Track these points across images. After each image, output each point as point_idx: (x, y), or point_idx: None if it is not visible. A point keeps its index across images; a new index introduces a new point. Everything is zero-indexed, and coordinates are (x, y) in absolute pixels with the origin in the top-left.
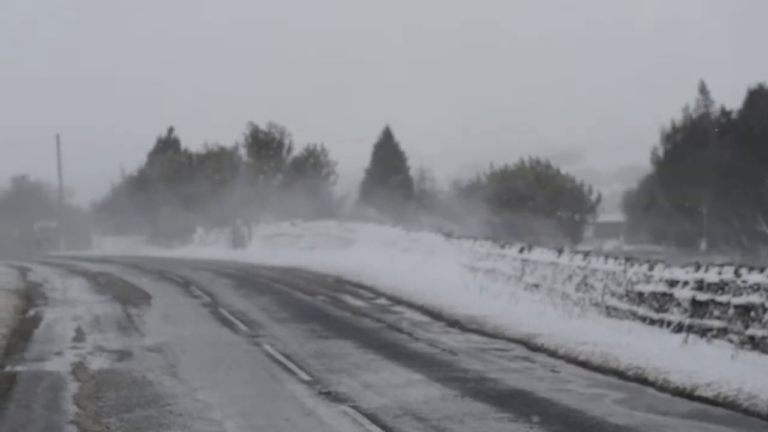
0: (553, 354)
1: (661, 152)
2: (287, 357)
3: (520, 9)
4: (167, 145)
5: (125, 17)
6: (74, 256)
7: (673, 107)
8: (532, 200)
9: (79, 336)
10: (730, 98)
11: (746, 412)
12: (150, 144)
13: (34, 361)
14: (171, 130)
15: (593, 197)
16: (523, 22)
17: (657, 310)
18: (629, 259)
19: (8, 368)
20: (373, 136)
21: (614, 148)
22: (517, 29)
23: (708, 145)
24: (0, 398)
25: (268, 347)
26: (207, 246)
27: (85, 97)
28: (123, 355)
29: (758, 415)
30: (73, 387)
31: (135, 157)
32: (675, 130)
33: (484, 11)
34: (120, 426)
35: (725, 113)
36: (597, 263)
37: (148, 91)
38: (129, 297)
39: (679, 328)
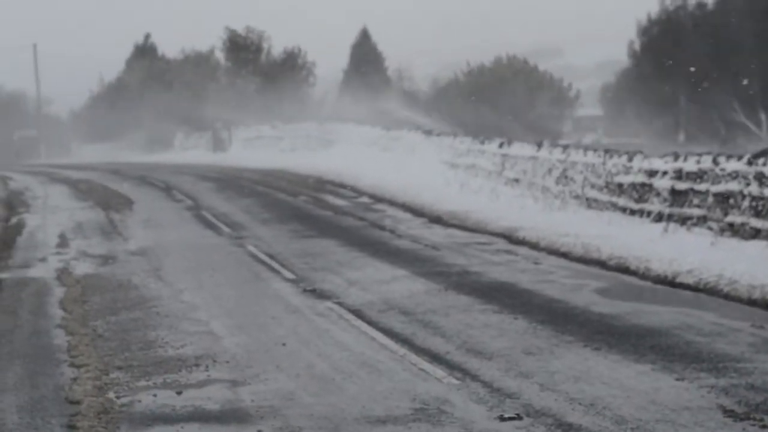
0: (534, 246)
1: (637, 45)
2: (271, 257)
3: None
4: (144, 51)
5: None
6: (54, 164)
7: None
8: (511, 96)
9: (63, 242)
10: None
11: (727, 297)
12: (127, 51)
13: (18, 267)
14: (148, 36)
15: (572, 93)
16: None
17: (637, 201)
18: (608, 151)
19: None
20: (351, 36)
21: (592, 42)
22: None
23: (684, 37)
24: None
25: (251, 248)
26: (187, 150)
27: (62, 4)
28: (107, 259)
29: (739, 299)
30: (58, 292)
31: (113, 64)
32: (651, 22)
33: None
34: (107, 328)
35: (701, 5)
36: (576, 156)
37: None
38: (111, 203)
39: (659, 218)
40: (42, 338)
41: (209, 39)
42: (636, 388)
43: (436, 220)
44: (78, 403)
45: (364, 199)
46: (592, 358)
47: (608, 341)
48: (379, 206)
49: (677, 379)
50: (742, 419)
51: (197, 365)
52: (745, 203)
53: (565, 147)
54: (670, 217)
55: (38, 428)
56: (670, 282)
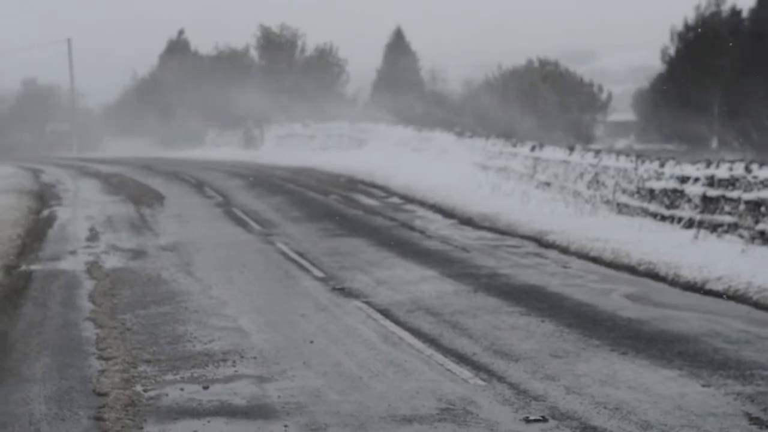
0: (564, 250)
1: (672, 51)
2: (301, 255)
3: None
4: (177, 47)
5: None
6: (86, 158)
7: (684, 6)
8: (542, 100)
9: (93, 236)
10: None
11: (756, 304)
12: (161, 47)
13: (48, 260)
14: (181, 32)
15: (603, 96)
16: None
17: (668, 207)
18: (640, 156)
19: (23, 267)
20: (385, 36)
21: (626, 47)
22: None
23: (719, 44)
24: (16, 296)
25: (281, 245)
26: (219, 147)
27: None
28: (137, 254)
29: None
30: (88, 285)
31: (146, 60)
32: (687, 28)
33: None
34: (135, 322)
35: (736, 12)
36: (608, 161)
37: None
38: (142, 197)
39: (689, 224)
40: (71, 330)
41: (243, 35)
42: (662, 394)
43: (467, 221)
44: (105, 395)
45: (395, 199)
46: (618, 363)
47: (636, 346)
48: (410, 207)
49: (704, 386)
50: (767, 427)
51: (225, 360)
52: None
53: (597, 151)
54: (700, 224)
55: (65, 419)
56: (699, 288)
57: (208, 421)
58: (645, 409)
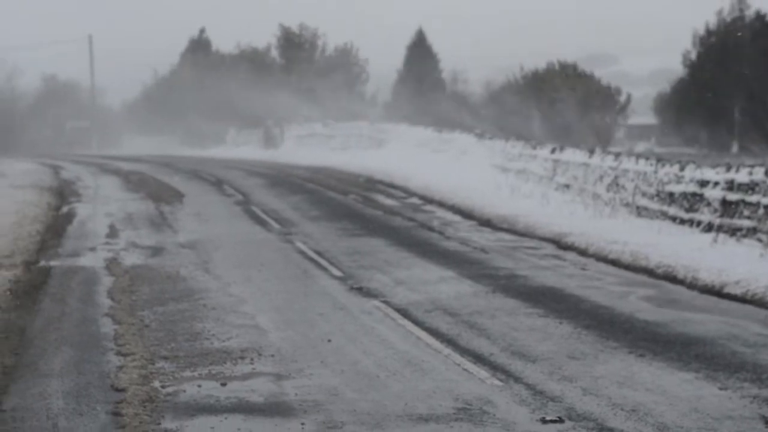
0: (583, 253)
1: (693, 55)
2: (319, 254)
3: None
4: (199, 46)
5: None
6: (106, 155)
7: (706, 11)
8: (562, 102)
9: (113, 232)
10: (766, 1)
11: None
12: (182, 45)
13: (68, 256)
14: (202, 30)
15: (623, 98)
16: None
17: (687, 210)
18: (660, 159)
19: (42, 263)
20: (406, 37)
21: (648, 51)
22: None
23: (741, 49)
24: (35, 292)
25: (300, 244)
26: (239, 146)
27: None
28: (156, 251)
29: None
30: (107, 281)
31: (167, 58)
32: (709, 33)
33: None
34: (154, 319)
35: (759, 17)
36: (628, 164)
37: None
38: (162, 195)
39: (709, 228)
40: (90, 326)
41: (264, 35)
42: (679, 396)
43: (486, 223)
44: (123, 390)
45: (414, 200)
46: (636, 365)
47: (653, 348)
48: (429, 207)
49: (720, 389)
50: None
51: (242, 358)
52: None
53: (617, 154)
54: (719, 228)
55: (83, 414)
56: (717, 292)
57: (226, 418)
58: (662, 411)
